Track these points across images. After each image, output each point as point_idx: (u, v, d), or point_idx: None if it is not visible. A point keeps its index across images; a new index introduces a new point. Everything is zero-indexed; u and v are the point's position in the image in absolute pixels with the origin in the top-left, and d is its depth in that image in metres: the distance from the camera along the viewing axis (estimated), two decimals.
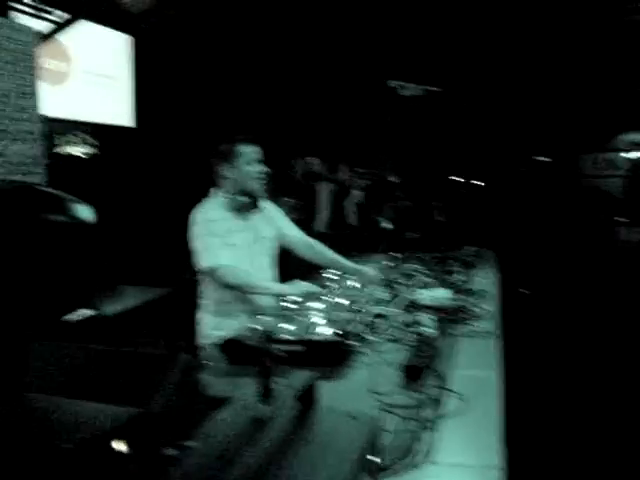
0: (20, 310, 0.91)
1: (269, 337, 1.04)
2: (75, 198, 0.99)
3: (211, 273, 2.86)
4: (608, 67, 9.26)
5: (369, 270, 3.20)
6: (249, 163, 2.96)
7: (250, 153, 2.97)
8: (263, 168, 3.00)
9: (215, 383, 2.02)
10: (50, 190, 0.93)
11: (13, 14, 5.25)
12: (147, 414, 1.11)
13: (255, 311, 2.89)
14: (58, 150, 6.08)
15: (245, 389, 1.87)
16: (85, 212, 1.00)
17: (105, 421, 1.03)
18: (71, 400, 1.15)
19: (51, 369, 1.31)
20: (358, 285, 3.07)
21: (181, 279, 4.36)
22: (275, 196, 5.40)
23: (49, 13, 5.59)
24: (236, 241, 2.94)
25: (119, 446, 1.01)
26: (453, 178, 11.01)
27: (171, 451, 1.07)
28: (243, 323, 2.64)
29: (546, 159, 12.28)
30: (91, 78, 6.58)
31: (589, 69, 9.36)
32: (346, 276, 3.24)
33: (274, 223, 3.19)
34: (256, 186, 3.00)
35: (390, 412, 1.64)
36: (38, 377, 1.25)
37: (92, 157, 6.54)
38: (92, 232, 0.99)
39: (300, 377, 1.20)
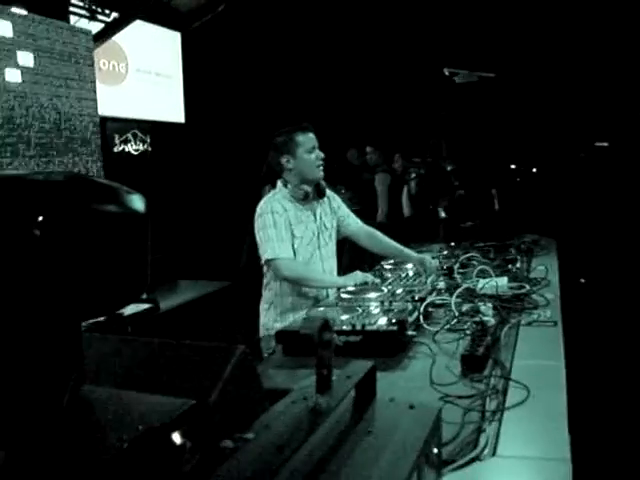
0: (75, 301, 0.91)
1: (326, 326, 1.01)
2: (127, 188, 0.98)
3: (270, 265, 2.90)
4: None
5: (429, 258, 3.18)
6: (308, 151, 2.99)
7: (308, 141, 3.00)
8: (321, 154, 3.02)
9: (273, 375, 2.02)
10: (101, 180, 0.92)
11: (70, 17, 5.36)
12: (204, 406, 1.10)
13: (316, 303, 2.91)
14: (116, 149, 6.19)
15: (303, 380, 1.86)
16: (137, 202, 0.98)
17: (162, 413, 1.02)
18: (128, 392, 1.15)
19: (107, 361, 1.31)
20: (417, 273, 3.04)
21: (239, 272, 4.40)
22: (333, 186, 5.41)
23: (104, 14, 5.70)
24: (300, 232, 2.98)
25: (177, 438, 1.00)
26: (511, 166, 10.81)
27: (228, 443, 1.06)
28: (303, 314, 2.65)
29: (606, 144, 11.94)
30: (145, 77, 6.68)
31: None
32: (405, 266, 3.22)
33: (336, 213, 3.21)
34: (318, 173, 3.03)
35: (451, 403, 1.60)
36: (94, 369, 1.26)
37: (149, 154, 6.64)
38: (148, 223, 0.98)
39: (359, 367, 1.17)
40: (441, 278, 3.01)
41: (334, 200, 3.24)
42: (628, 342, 4.96)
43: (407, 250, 3.27)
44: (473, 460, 1.32)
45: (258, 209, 2.99)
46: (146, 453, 0.94)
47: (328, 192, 3.18)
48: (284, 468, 0.86)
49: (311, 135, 3.02)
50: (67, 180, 1.03)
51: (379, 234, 3.29)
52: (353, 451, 1.00)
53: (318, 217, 3.10)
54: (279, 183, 3.08)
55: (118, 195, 0.99)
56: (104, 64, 5.89)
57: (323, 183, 3.11)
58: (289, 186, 3.02)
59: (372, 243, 3.28)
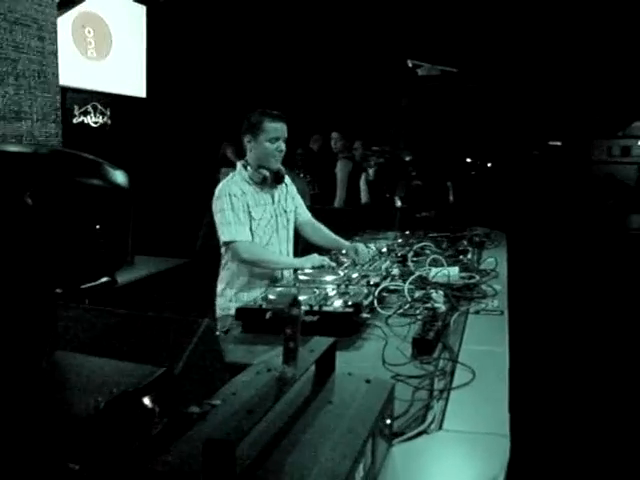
0: (50, 272, 0.95)
1: (295, 302, 1.08)
2: (110, 163, 1.02)
3: (229, 247, 2.95)
4: (626, 53, 9.18)
5: (362, 246, 3.27)
6: (270, 140, 3.02)
7: (273, 130, 3.02)
8: (282, 147, 3.06)
9: (232, 350, 2.09)
10: (85, 155, 0.96)
11: None
12: (172, 374, 1.16)
13: (271, 283, 2.98)
14: (75, 120, 6.12)
15: (262, 355, 1.94)
16: (121, 177, 1.03)
17: (134, 379, 1.07)
18: (100, 358, 1.20)
19: (78, 330, 1.36)
20: (353, 260, 3.13)
21: (195, 252, 4.43)
22: (293, 171, 5.44)
23: None
24: (258, 214, 3.02)
25: (148, 402, 1.06)
26: (467, 159, 11.00)
27: (195, 408, 1.12)
28: (260, 295, 2.72)
29: (559, 143, 12.22)
30: (108, 49, 6.59)
31: (606, 54, 9.28)
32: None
33: (293, 199, 3.27)
34: (273, 164, 3.07)
35: (402, 382, 1.70)
36: (66, 338, 1.31)
37: (108, 127, 6.57)
38: (131, 198, 1.02)
39: (320, 342, 1.25)
40: (395, 265, 3.11)
41: (291, 186, 3.30)
42: (567, 332, 5.18)
43: (342, 241, 3.37)
44: (421, 433, 1.42)
45: (216, 191, 3.02)
46: (119, 415, 1.00)
47: (287, 179, 3.24)
48: (254, 429, 0.93)
49: (279, 125, 3.04)
50: (53, 154, 1.08)
51: (323, 228, 3.38)
52: (315, 418, 1.08)
53: (276, 200, 3.15)
54: (239, 165, 3.12)
55: (102, 170, 1.04)
56: (68, 33, 5.80)
57: (282, 170, 3.16)
58: (249, 168, 3.06)
59: (314, 235, 3.37)
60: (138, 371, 1.12)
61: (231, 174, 3.11)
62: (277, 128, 3.03)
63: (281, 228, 3.15)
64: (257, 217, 3.02)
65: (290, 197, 3.25)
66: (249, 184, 3.05)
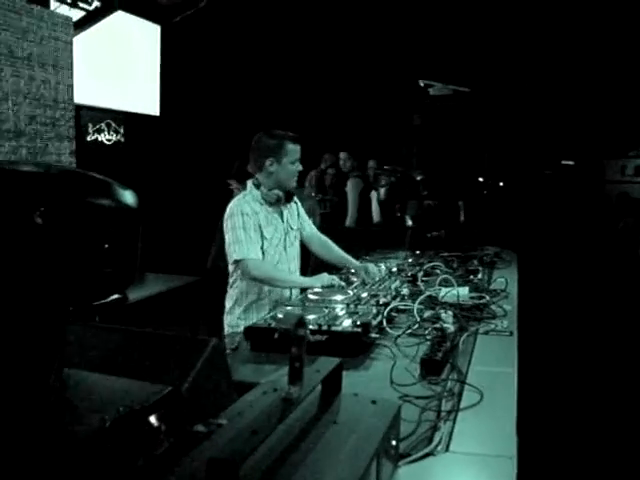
0: (66, 290, 0.96)
1: (301, 322, 1.09)
2: (119, 183, 1.04)
3: (239, 265, 2.97)
4: (639, 73, 9.19)
5: (372, 266, 3.28)
6: (292, 162, 3.07)
7: (295, 152, 3.08)
8: (300, 167, 3.12)
9: (240, 369, 2.09)
10: (95, 175, 0.97)
11: (51, 2, 5.34)
12: (179, 392, 1.16)
13: (280, 303, 2.99)
14: (89, 138, 6.18)
15: (270, 375, 1.94)
16: (130, 197, 1.04)
17: (141, 397, 1.08)
18: (107, 376, 1.20)
19: (86, 348, 1.37)
20: (363, 280, 3.13)
21: (206, 270, 4.45)
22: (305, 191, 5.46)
23: (86, 2, 5.69)
24: (269, 234, 3.05)
25: (154, 421, 1.07)
26: (479, 179, 11.00)
27: (201, 427, 1.12)
28: (268, 313, 2.72)
29: (572, 163, 12.20)
30: (122, 67, 6.67)
31: (619, 74, 9.29)
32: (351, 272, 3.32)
33: (299, 215, 3.30)
34: (292, 184, 3.13)
35: (410, 402, 1.69)
36: (74, 355, 1.31)
37: (122, 145, 6.63)
38: (140, 218, 1.03)
39: (327, 363, 1.25)
40: (405, 285, 3.11)
41: (297, 203, 3.34)
42: (577, 354, 5.14)
43: (352, 259, 3.39)
44: (427, 455, 1.42)
45: (228, 210, 3.05)
46: (125, 434, 1.00)
47: (294, 197, 3.28)
48: (258, 450, 0.93)
49: (299, 147, 3.10)
50: (63, 173, 1.09)
51: (330, 242, 3.41)
52: (319, 439, 1.08)
53: (285, 219, 3.18)
54: (249, 184, 3.14)
55: (112, 190, 1.05)
56: (84, 53, 5.88)
57: (293, 191, 3.21)
58: (262, 188, 3.09)
59: (322, 250, 3.40)
60: (145, 389, 1.12)
61: (242, 193, 3.14)
62: (297, 150, 3.10)
63: (289, 246, 3.18)
64: (269, 236, 3.05)
65: (297, 214, 3.29)
66: (261, 204, 3.08)
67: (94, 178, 1.06)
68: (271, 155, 3.07)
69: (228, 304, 3.13)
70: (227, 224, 3.01)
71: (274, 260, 3.09)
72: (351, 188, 7.16)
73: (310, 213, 3.89)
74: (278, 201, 3.10)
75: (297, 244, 3.28)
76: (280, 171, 3.07)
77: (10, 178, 0.97)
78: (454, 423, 1.59)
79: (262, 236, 3.02)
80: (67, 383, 1.13)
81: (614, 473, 3.42)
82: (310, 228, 3.40)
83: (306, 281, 3.08)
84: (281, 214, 3.16)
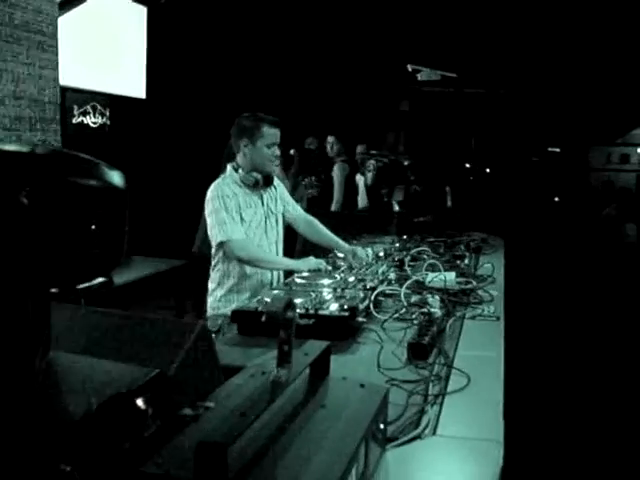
0: (44, 272, 0.95)
1: (290, 305, 1.08)
2: (106, 164, 1.02)
3: (223, 247, 2.95)
4: (625, 60, 9.20)
5: (360, 249, 3.30)
6: (268, 146, 3.04)
7: (271, 136, 3.05)
8: (277, 152, 3.09)
9: (227, 352, 2.08)
10: (82, 155, 0.96)
11: None
12: (165, 376, 1.15)
13: (263, 287, 2.98)
14: (74, 120, 6.12)
15: (257, 358, 1.93)
16: (117, 178, 1.03)
17: (127, 380, 1.07)
18: (92, 359, 1.19)
19: (72, 331, 1.36)
20: (350, 264, 3.13)
21: (191, 254, 4.44)
22: (294, 174, 5.44)
23: None
24: (249, 217, 3.03)
25: (141, 404, 1.06)
26: (466, 164, 11.02)
27: (188, 411, 1.11)
28: (252, 297, 2.72)
29: (558, 150, 12.24)
30: (108, 49, 6.60)
31: (606, 61, 9.30)
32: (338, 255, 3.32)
33: (282, 199, 3.29)
34: (269, 168, 3.10)
35: (397, 386, 1.70)
36: (60, 338, 1.30)
37: (108, 127, 6.57)
38: (127, 199, 1.02)
39: (315, 346, 1.25)
40: (392, 269, 3.11)
41: (279, 186, 3.32)
42: (563, 338, 5.19)
43: (341, 242, 3.37)
44: (415, 438, 1.42)
45: (209, 193, 3.03)
46: (112, 417, 0.99)
47: (275, 181, 3.26)
48: (246, 433, 0.93)
49: (276, 131, 3.07)
50: (49, 153, 1.07)
51: (317, 223, 3.39)
52: (307, 422, 1.08)
53: (265, 202, 3.17)
54: (229, 167, 3.13)
55: (99, 170, 1.04)
56: (68, 34, 5.80)
57: (271, 175, 3.19)
58: (240, 171, 3.07)
59: (309, 231, 3.39)
60: (131, 372, 1.11)
61: (222, 176, 3.12)
62: (275, 134, 3.06)
63: (270, 229, 3.17)
64: (247, 219, 3.03)
65: (279, 198, 3.27)
66: (240, 186, 3.06)
67: (81, 158, 1.04)
68: (246, 136, 3.06)
69: (210, 286, 3.12)
70: (208, 207, 3.00)
71: (254, 243, 3.08)
72: (337, 173, 7.14)
73: (297, 197, 3.87)
74: (256, 184, 3.08)
75: (280, 229, 3.27)
76: (254, 153, 3.05)
77: None
78: (441, 407, 1.60)
79: (241, 219, 3.00)
80: (53, 366, 1.12)
81: (603, 457, 3.46)
82: (294, 209, 3.38)
83: (292, 264, 3.07)
84: (261, 197, 3.14)
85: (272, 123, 3.06)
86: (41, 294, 1.03)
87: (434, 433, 1.46)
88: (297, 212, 3.39)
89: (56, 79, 5.06)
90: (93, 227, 1.00)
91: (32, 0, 4.73)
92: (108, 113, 6.64)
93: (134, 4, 6.85)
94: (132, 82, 6.97)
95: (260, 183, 3.09)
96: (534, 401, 3.96)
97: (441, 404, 1.62)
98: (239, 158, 3.10)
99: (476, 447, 1.41)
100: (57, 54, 5.08)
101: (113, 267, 1.08)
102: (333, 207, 7.01)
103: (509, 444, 1.41)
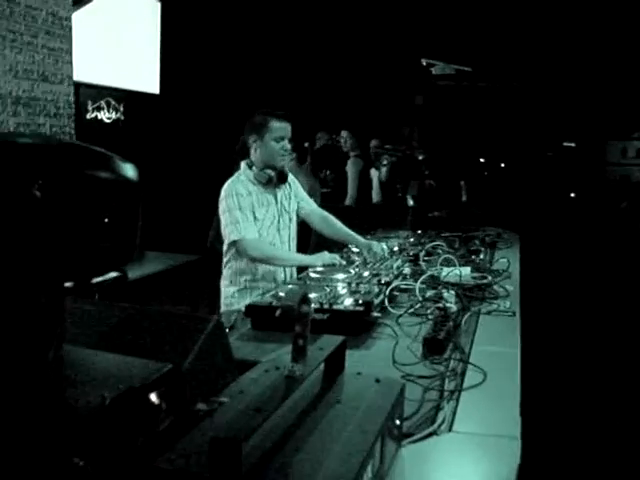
0: (57, 265, 0.94)
1: (305, 299, 1.07)
2: (119, 157, 1.01)
3: (236, 245, 2.94)
4: None
5: (376, 244, 3.26)
6: (276, 140, 3.02)
7: (279, 129, 3.02)
8: (288, 145, 3.06)
9: (241, 347, 2.07)
10: (94, 147, 0.95)
11: None
12: (179, 370, 1.15)
13: (276, 282, 2.97)
14: (89, 116, 6.13)
15: (271, 353, 1.92)
16: (130, 170, 1.02)
17: (141, 375, 1.06)
18: (106, 353, 1.19)
19: (86, 325, 1.35)
20: (369, 258, 3.11)
21: (205, 250, 4.44)
22: (305, 169, 5.43)
23: None
24: (262, 215, 3.02)
25: (155, 399, 1.05)
26: (480, 159, 10.96)
27: (202, 405, 1.10)
28: (264, 294, 2.71)
29: (573, 145, 12.14)
30: (122, 45, 6.60)
31: (621, 55, 9.21)
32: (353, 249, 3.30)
33: (296, 196, 3.27)
34: (279, 162, 3.07)
35: (412, 382, 1.68)
36: (74, 332, 1.30)
37: (122, 123, 6.59)
38: (140, 192, 1.01)
39: (330, 341, 1.24)
40: (407, 264, 3.09)
41: (293, 184, 3.29)
42: (580, 333, 5.14)
43: (357, 236, 3.34)
44: (431, 435, 1.41)
45: (222, 191, 3.02)
46: (125, 411, 0.98)
47: (290, 177, 3.24)
48: (261, 428, 0.92)
49: (285, 125, 3.04)
50: (62, 146, 1.07)
51: (332, 218, 3.36)
52: (323, 417, 1.07)
53: (279, 200, 3.15)
54: (243, 165, 3.11)
55: (112, 163, 1.03)
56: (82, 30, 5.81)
57: (286, 169, 3.17)
58: (254, 169, 3.06)
59: (324, 226, 3.35)
60: (145, 367, 1.11)
61: (236, 174, 3.11)
62: (283, 127, 3.03)
63: (283, 228, 3.15)
64: (260, 217, 3.02)
65: (293, 195, 3.25)
66: (254, 184, 3.05)
67: (94, 151, 1.03)
68: (254, 132, 3.05)
69: (223, 284, 3.12)
70: (222, 205, 2.99)
71: (267, 242, 3.06)
72: (351, 167, 7.12)
73: (311, 192, 3.85)
74: (270, 181, 3.06)
75: (293, 227, 3.25)
76: (263, 148, 3.03)
77: (8, 150, 0.94)
78: (457, 403, 1.58)
79: (254, 217, 2.99)
80: (67, 360, 1.12)
81: (621, 454, 3.42)
82: (309, 205, 3.36)
83: (307, 259, 3.06)
84: (275, 195, 3.13)
85: (279, 117, 3.04)
86: (54, 288, 1.02)
87: (450, 429, 1.44)
88: (312, 207, 3.37)
89: (70, 74, 5.07)
90: (106, 220, 1.00)
91: None
92: (122, 108, 6.66)
93: None
94: (146, 77, 6.98)
95: (274, 180, 3.08)
96: (552, 397, 3.92)
97: (457, 400, 1.60)
98: (251, 155, 3.09)
99: (493, 444, 1.39)
100: (71, 50, 5.10)
101: (126, 261, 1.07)
102: (347, 202, 6.99)
103: (527, 440, 1.38)
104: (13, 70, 4.42)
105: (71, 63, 4.98)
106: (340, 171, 7.16)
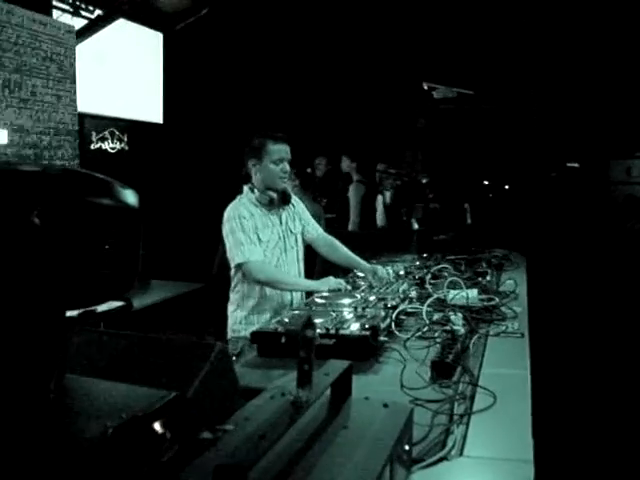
0: (66, 291, 0.93)
1: (310, 323, 1.05)
2: (120, 182, 1.01)
3: (242, 269, 2.93)
4: None
5: (381, 268, 3.25)
6: (275, 162, 3.02)
7: (277, 152, 3.02)
8: (287, 168, 3.06)
9: (247, 374, 2.05)
10: (94, 173, 0.95)
11: (54, 12, 5.34)
12: (184, 398, 1.13)
13: (283, 307, 2.95)
14: (93, 146, 6.18)
15: (277, 380, 1.90)
16: (130, 197, 1.01)
17: (145, 403, 1.05)
18: (109, 382, 1.17)
19: (90, 354, 1.34)
20: (369, 283, 3.09)
21: (211, 277, 4.43)
22: (309, 195, 5.44)
23: (87, 11, 5.69)
24: (266, 237, 3.01)
25: (159, 428, 1.03)
26: (484, 181, 10.96)
27: (207, 434, 1.08)
28: (272, 318, 2.69)
29: (577, 165, 12.14)
30: (125, 75, 6.67)
31: (623, 75, 9.24)
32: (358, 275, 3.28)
33: (301, 218, 3.26)
34: (279, 185, 3.07)
35: (421, 406, 1.65)
36: (77, 361, 1.28)
37: (126, 153, 6.63)
38: (141, 218, 1.00)
39: (336, 366, 1.22)
40: (413, 287, 3.07)
41: (298, 205, 3.29)
42: (590, 354, 5.09)
43: (362, 261, 3.33)
44: (441, 459, 1.38)
45: (225, 214, 3.02)
46: (128, 441, 0.97)
47: (294, 199, 3.23)
48: (266, 456, 0.90)
49: (283, 146, 3.04)
50: (62, 172, 1.06)
51: (337, 243, 3.35)
52: (330, 444, 1.04)
53: (284, 222, 3.14)
54: (245, 188, 3.11)
55: (112, 189, 1.02)
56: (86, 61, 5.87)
57: (288, 190, 3.16)
58: (255, 191, 3.06)
59: (330, 251, 3.34)
60: (149, 395, 1.09)
61: (239, 197, 3.11)
62: (281, 149, 3.03)
63: (289, 249, 3.14)
64: (265, 239, 3.01)
65: (297, 217, 3.24)
66: (256, 206, 3.05)
67: (93, 177, 1.03)
68: (253, 156, 3.05)
69: (230, 308, 3.10)
70: (225, 228, 2.98)
71: (272, 264, 3.05)
72: (353, 193, 7.13)
73: (316, 218, 3.85)
74: (272, 202, 3.06)
75: (299, 248, 3.24)
76: (263, 171, 3.03)
77: (6, 177, 0.94)
78: (467, 427, 1.55)
79: (258, 239, 2.98)
80: (69, 389, 1.10)
81: (634, 476, 3.37)
82: (315, 229, 3.35)
83: (312, 284, 3.04)
84: (279, 217, 3.12)
85: (277, 139, 3.04)
86: (55, 315, 1.01)
87: (461, 454, 1.41)
88: (317, 232, 3.35)
89: (74, 106, 5.12)
90: (106, 247, 0.98)
91: (51, 29, 4.80)
92: (126, 138, 6.70)
93: (150, 30, 6.95)
94: (149, 107, 7.04)
95: (276, 202, 3.07)
96: (564, 418, 3.87)
97: (467, 424, 1.57)
98: (253, 178, 3.09)
99: (505, 467, 1.36)
100: (75, 81, 5.15)
101: (127, 288, 1.06)
102: (350, 227, 7.00)
103: (539, 463, 1.35)
104: None
105: (75, 94, 5.02)
106: (342, 197, 7.18)
